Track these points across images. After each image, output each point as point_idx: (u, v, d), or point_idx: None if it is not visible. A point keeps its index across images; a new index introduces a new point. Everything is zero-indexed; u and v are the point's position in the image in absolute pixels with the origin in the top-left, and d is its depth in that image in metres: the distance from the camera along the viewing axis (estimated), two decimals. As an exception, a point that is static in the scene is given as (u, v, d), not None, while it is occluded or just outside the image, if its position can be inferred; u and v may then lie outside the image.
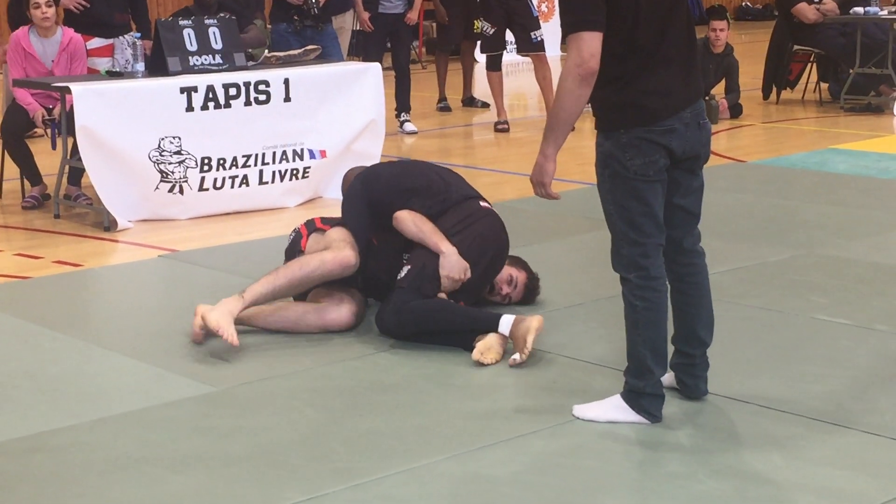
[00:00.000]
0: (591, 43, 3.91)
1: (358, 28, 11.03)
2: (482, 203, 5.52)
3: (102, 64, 8.56)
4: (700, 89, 4.21)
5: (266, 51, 8.55)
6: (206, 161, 7.68)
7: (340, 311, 5.28)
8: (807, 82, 12.65)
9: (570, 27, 3.94)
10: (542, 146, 4.10)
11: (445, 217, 5.37)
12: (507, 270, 5.54)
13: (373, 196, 5.43)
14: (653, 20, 4.00)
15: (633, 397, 4.20)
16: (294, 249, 5.44)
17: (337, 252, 5.21)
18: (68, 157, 7.77)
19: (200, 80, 7.66)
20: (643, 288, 4.11)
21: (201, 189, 7.70)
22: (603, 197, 4.15)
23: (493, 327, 4.93)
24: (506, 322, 4.90)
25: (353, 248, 5.24)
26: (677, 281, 4.28)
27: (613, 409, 4.23)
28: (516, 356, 4.81)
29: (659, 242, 4.13)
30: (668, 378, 4.34)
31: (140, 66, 7.87)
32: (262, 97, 7.87)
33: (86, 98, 7.33)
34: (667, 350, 4.22)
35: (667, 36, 4.03)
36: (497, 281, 5.52)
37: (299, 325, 5.28)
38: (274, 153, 7.95)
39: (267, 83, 7.89)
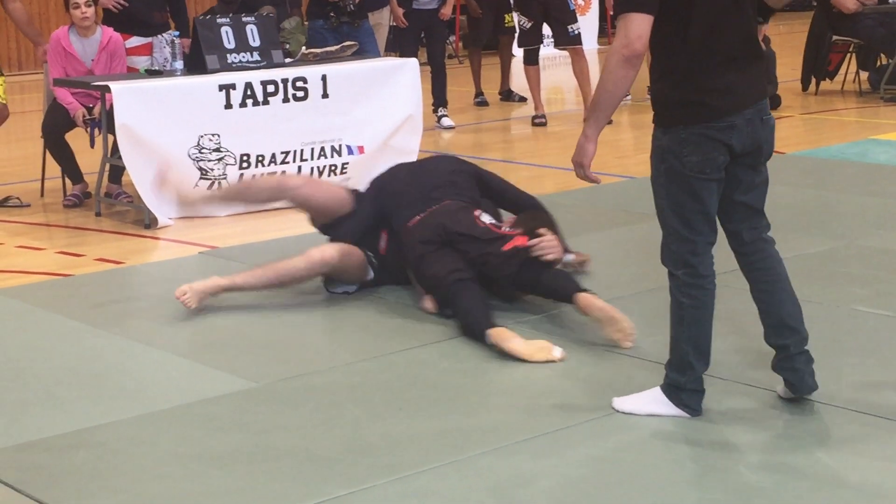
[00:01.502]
0: (639, 25, 3.86)
1: (393, 24, 11.05)
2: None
3: (141, 62, 8.60)
4: (765, 89, 4.12)
5: (303, 47, 8.57)
6: (244, 158, 7.71)
7: (324, 250, 5.58)
8: (846, 73, 12.57)
9: (620, 7, 3.90)
10: (584, 127, 4.08)
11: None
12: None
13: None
14: (708, 13, 3.93)
15: (673, 391, 4.18)
16: None
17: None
18: (109, 156, 7.82)
19: (239, 78, 7.70)
20: (690, 286, 4.07)
21: (240, 186, 7.73)
22: (656, 191, 4.10)
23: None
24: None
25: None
26: (749, 272, 4.19)
27: (653, 402, 4.22)
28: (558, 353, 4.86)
29: (709, 241, 4.07)
30: (779, 389, 4.28)
31: (179, 65, 7.92)
32: (300, 94, 7.90)
33: (125, 97, 7.38)
34: (710, 347, 4.16)
35: (725, 32, 3.96)
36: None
37: (290, 269, 5.58)
38: (312, 149, 7.98)
39: (305, 80, 7.92)
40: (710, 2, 3.94)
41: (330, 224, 5.82)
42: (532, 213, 5.74)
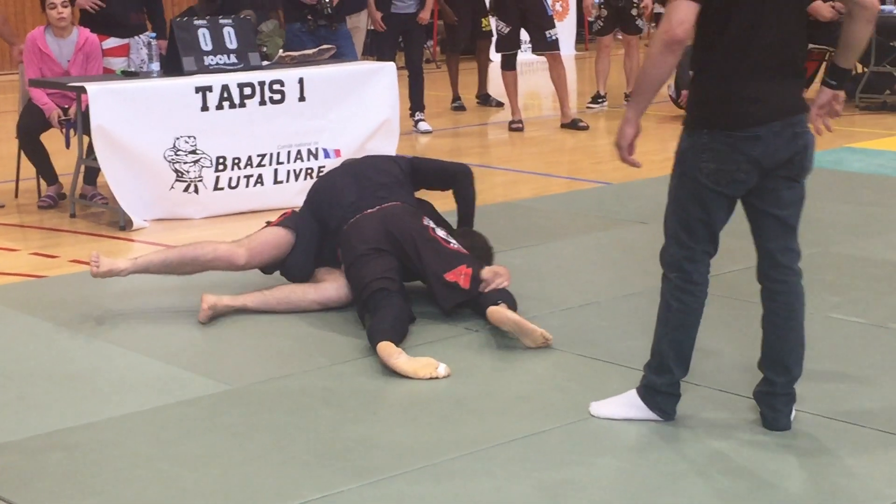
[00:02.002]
0: (684, 11, 3.83)
1: (371, 28, 11.06)
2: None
3: (118, 64, 8.58)
4: (802, 104, 4.05)
5: (280, 50, 8.57)
6: (221, 160, 7.70)
7: (339, 287, 5.53)
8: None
9: None
10: (626, 110, 4.08)
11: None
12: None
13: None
14: (747, 18, 3.89)
15: (650, 393, 4.19)
16: None
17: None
18: (84, 157, 7.80)
19: (215, 80, 7.69)
20: (682, 290, 4.07)
21: (216, 188, 7.72)
22: (669, 192, 4.09)
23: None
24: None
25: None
26: (768, 300, 4.16)
27: (629, 406, 4.22)
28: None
29: (706, 251, 4.06)
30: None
31: (155, 66, 7.90)
32: (277, 97, 7.90)
33: (101, 98, 7.36)
34: (691, 354, 4.17)
35: (761, 39, 3.91)
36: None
37: (301, 303, 5.55)
38: (289, 152, 7.97)
39: (281, 83, 7.91)
40: (751, 7, 3.90)
41: (279, 265, 5.75)
42: (468, 234, 5.72)
